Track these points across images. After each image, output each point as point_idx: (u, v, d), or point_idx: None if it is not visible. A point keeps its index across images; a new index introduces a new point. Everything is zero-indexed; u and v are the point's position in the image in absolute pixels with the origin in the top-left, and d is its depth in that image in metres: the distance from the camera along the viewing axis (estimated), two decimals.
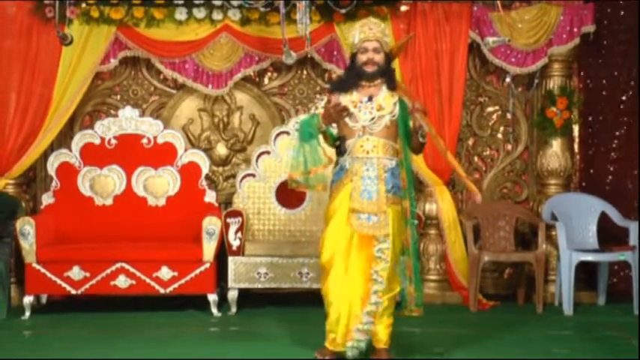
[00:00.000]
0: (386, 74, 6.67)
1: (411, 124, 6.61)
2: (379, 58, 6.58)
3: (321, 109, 6.78)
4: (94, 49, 9.28)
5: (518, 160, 10.03)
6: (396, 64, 9.18)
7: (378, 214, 6.48)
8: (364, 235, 6.51)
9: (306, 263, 8.79)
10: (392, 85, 6.67)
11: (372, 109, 6.55)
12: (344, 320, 6.53)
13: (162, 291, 8.70)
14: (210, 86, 9.56)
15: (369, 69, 6.57)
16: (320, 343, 6.97)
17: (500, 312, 9.04)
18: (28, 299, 8.64)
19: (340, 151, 6.68)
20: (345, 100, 6.59)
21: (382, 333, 6.59)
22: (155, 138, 9.54)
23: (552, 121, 9.49)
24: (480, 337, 7.71)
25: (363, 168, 6.53)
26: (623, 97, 9.75)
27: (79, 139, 9.49)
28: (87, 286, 8.64)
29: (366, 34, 6.60)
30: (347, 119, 6.56)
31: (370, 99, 6.57)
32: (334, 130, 6.72)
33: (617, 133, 9.80)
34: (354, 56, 6.69)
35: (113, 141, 9.50)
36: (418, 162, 9.28)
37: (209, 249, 8.68)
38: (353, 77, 6.66)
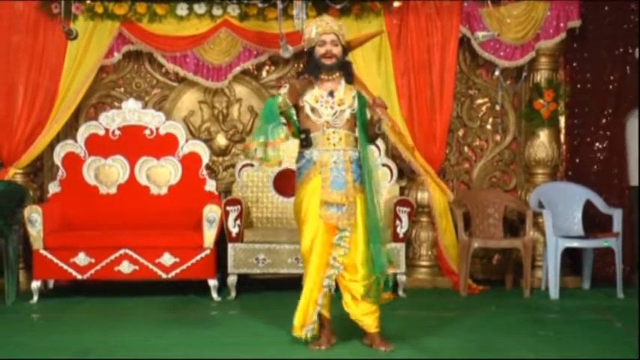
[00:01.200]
0: (344, 67, 6.69)
1: (368, 116, 6.67)
2: (337, 50, 6.61)
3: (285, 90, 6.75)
4: (98, 43, 9.37)
5: (507, 150, 10.11)
6: (388, 59, 9.43)
7: (347, 203, 6.54)
8: (330, 224, 6.58)
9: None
10: (349, 79, 6.74)
11: (334, 103, 6.60)
12: (302, 306, 6.68)
13: (164, 276, 8.81)
14: (210, 79, 9.65)
15: (328, 61, 6.59)
16: None
17: (489, 296, 9.10)
18: (35, 284, 8.77)
19: (305, 144, 6.68)
20: (308, 96, 6.63)
21: (370, 319, 6.66)
22: (157, 129, 9.64)
23: (539, 113, 9.58)
24: (470, 321, 7.84)
25: (330, 160, 6.57)
26: (608, 89, 9.80)
27: (84, 130, 9.60)
28: (92, 271, 8.76)
29: (323, 28, 6.61)
30: (309, 113, 6.62)
31: (331, 94, 6.61)
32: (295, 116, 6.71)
33: (602, 124, 9.83)
34: (311, 50, 6.68)
35: (117, 132, 9.61)
36: (410, 151, 9.48)
37: (209, 236, 8.80)
38: (312, 71, 6.66)
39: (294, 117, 6.70)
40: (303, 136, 6.68)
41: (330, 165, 6.59)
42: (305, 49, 6.84)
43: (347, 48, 6.81)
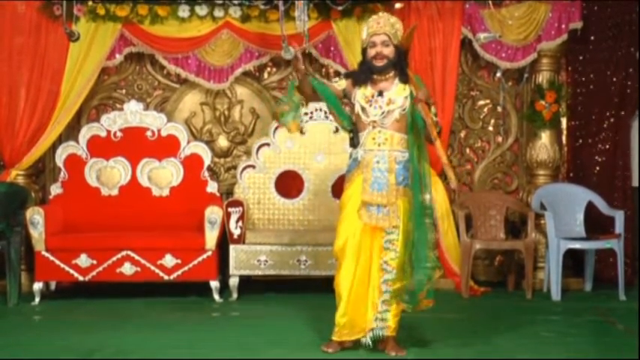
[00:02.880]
0: (397, 67, 6.60)
1: (417, 116, 6.54)
2: (388, 51, 6.54)
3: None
4: (100, 45, 9.39)
5: (509, 152, 10.12)
6: None
7: (388, 205, 6.50)
8: (374, 226, 6.54)
9: (305, 251, 8.91)
10: (404, 78, 6.62)
11: (383, 103, 6.54)
12: (361, 310, 6.57)
13: (166, 278, 8.81)
14: (211, 81, 9.66)
15: (379, 63, 6.54)
16: (317, 327, 7.21)
17: (491, 298, 9.13)
18: (37, 286, 8.77)
19: (354, 143, 6.65)
20: (359, 94, 6.61)
21: (391, 321, 6.61)
22: (159, 131, 9.64)
23: (541, 114, 9.57)
24: (472, 322, 7.87)
25: (373, 160, 6.53)
26: (610, 90, 9.81)
27: (85, 132, 9.60)
28: (94, 273, 8.76)
29: (374, 29, 6.56)
30: (360, 113, 6.58)
31: (381, 93, 6.56)
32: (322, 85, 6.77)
33: (604, 126, 9.84)
34: (364, 51, 6.64)
35: (119, 134, 9.61)
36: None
37: (211, 237, 8.80)
38: (365, 72, 6.62)
39: (340, 107, 6.74)
40: (351, 135, 6.68)
41: (372, 165, 6.55)
42: (360, 49, 6.80)
43: (403, 47, 6.68)
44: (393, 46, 6.59)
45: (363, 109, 6.60)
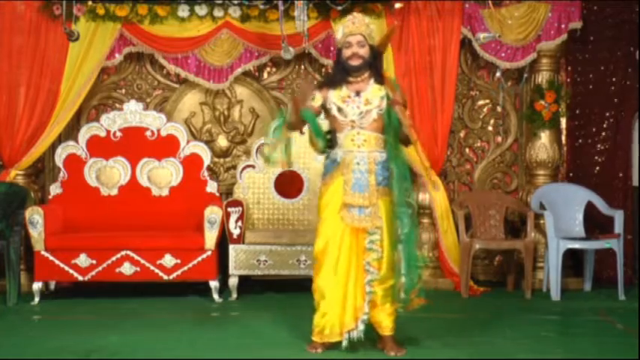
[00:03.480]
0: (372, 67, 6.60)
1: (393, 116, 6.55)
2: (364, 51, 6.51)
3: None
4: (99, 45, 9.39)
5: (508, 152, 10.14)
6: (390, 60, 9.39)
7: (369, 206, 6.48)
8: (356, 227, 6.52)
9: (304, 251, 8.90)
10: (379, 79, 6.60)
11: (360, 103, 6.51)
12: (337, 311, 6.54)
13: (165, 278, 8.81)
14: (211, 81, 9.66)
15: (354, 62, 6.50)
16: None
17: (491, 298, 9.15)
18: (37, 285, 8.77)
19: (331, 145, 6.63)
20: (335, 95, 6.56)
21: (387, 321, 6.61)
22: (159, 130, 9.65)
23: (541, 114, 9.59)
24: (471, 322, 7.85)
25: (354, 161, 6.50)
26: (609, 90, 9.84)
27: (85, 132, 9.60)
28: (93, 273, 8.77)
29: (349, 29, 6.52)
30: (336, 114, 6.56)
31: (358, 94, 6.53)
32: (322, 123, 6.69)
33: (604, 126, 9.86)
34: (339, 52, 6.61)
35: (118, 133, 9.61)
36: (411, 153, 9.45)
37: (211, 237, 8.80)
38: (340, 73, 6.59)
39: (319, 128, 6.64)
40: (329, 136, 6.65)
41: (352, 166, 6.53)
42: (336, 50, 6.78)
43: (378, 49, 6.70)
44: (368, 46, 6.58)
45: (339, 109, 6.57)
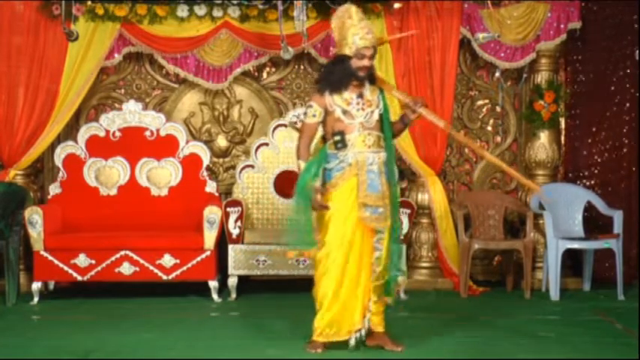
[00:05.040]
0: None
1: (412, 117, 6.63)
2: (372, 62, 6.55)
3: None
4: (99, 45, 9.39)
5: (507, 152, 10.14)
6: (389, 60, 9.44)
7: (382, 206, 6.54)
8: (367, 227, 6.55)
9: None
10: (374, 81, 6.67)
11: (364, 105, 6.54)
12: (346, 310, 6.56)
13: (164, 278, 8.81)
14: (210, 81, 9.66)
15: (363, 73, 6.51)
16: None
17: (490, 297, 9.16)
18: (36, 285, 8.78)
19: (340, 146, 6.53)
20: (338, 98, 6.54)
21: (379, 317, 6.68)
22: (158, 130, 9.65)
23: (540, 114, 9.60)
24: (471, 322, 7.85)
25: (367, 162, 6.52)
26: (609, 90, 9.83)
27: (84, 132, 9.60)
28: (92, 272, 8.77)
29: (365, 42, 6.45)
30: (342, 116, 6.51)
31: (360, 96, 6.56)
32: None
33: (603, 126, 9.86)
34: (346, 57, 6.51)
35: (117, 133, 9.61)
36: (411, 154, 9.47)
37: (210, 237, 8.80)
38: (345, 77, 6.54)
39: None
40: (337, 137, 6.56)
41: (366, 167, 6.54)
42: (337, 51, 6.70)
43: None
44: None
45: (344, 112, 6.55)
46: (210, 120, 10.15)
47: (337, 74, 6.61)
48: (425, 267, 9.78)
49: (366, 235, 6.57)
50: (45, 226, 8.75)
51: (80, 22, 9.26)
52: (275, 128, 9.65)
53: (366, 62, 6.50)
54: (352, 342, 6.60)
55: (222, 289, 9.02)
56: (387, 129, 6.65)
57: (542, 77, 9.72)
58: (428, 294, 9.38)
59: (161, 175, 9.66)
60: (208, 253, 8.84)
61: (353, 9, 6.61)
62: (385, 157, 6.64)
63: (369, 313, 6.61)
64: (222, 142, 10.14)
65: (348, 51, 6.52)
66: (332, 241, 6.56)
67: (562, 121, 10.03)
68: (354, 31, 6.51)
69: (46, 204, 9.45)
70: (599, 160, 9.94)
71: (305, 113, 6.72)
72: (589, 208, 9.52)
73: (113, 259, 8.80)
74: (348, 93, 6.58)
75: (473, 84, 10.17)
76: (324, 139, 6.75)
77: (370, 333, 6.72)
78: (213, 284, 8.87)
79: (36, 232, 8.73)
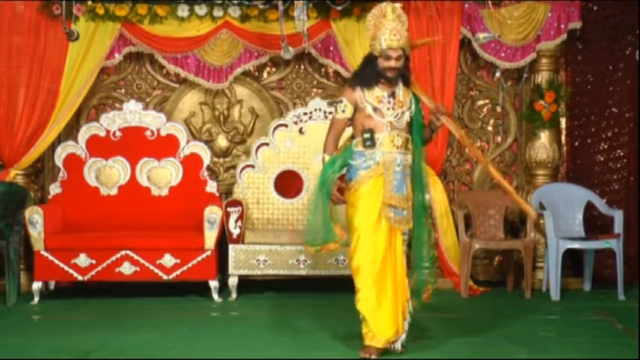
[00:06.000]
0: (401, 72, 6.59)
1: (422, 118, 6.65)
2: (400, 63, 6.48)
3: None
4: (99, 44, 9.41)
5: (508, 152, 10.16)
6: None
7: (406, 208, 6.55)
8: (395, 228, 6.54)
9: (304, 251, 8.86)
10: (407, 82, 6.63)
11: (395, 104, 6.50)
12: (396, 313, 6.55)
13: (165, 277, 8.82)
14: (211, 80, 9.69)
15: (391, 74, 6.48)
16: (316, 327, 7.25)
17: (490, 297, 9.16)
18: (36, 285, 8.79)
19: (369, 144, 6.48)
20: (369, 95, 6.50)
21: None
22: (158, 130, 9.66)
23: (540, 114, 9.59)
24: (471, 322, 7.85)
25: (394, 163, 6.50)
26: (609, 90, 9.83)
27: (85, 132, 9.61)
28: (93, 272, 8.78)
29: (391, 43, 6.41)
30: (372, 113, 6.49)
31: (392, 95, 6.52)
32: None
33: (603, 126, 9.87)
34: (374, 56, 6.52)
35: (118, 133, 9.62)
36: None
37: (210, 237, 8.81)
38: (374, 75, 6.53)
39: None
40: (367, 135, 6.50)
41: (393, 168, 6.52)
42: (371, 48, 6.61)
43: (406, 54, 6.63)
44: (403, 55, 6.56)
45: (375, 109, 6.52)
46: (211, 120, 10.15)
47: (366, 72, 6.60)
48: (425, 267, 9.65)
49: (395, 237, 6.55)
50: (45, 226, 8.75)
51: (81, 21, 9.29)
52: (275, 128, 9.66)
53: (392, 63, 6.46)
54: (398, 346, 6.60)
55: (223, 289, 9.02)
56: (417, 133, 6.63)
57: (542, 77, 9.71)
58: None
59: (161, 175, 9.66)
60: (209, 253, 8.84)
61: (389, 8, 6.57)
62: (411, 160, 6.62)
63: (409, 315, 6.64)
64: (222, 142, 10.14)
65: (375, 51, 6.52)
66: (365, 255, 6.49)
67: (562, 121, 10.03)
68: (382, 32, 6.48)
69: (47, 204, 9.46)
70: (599, 160, 9.94)
71: (335, 108, 6.72)
72: (589, 208, 9.52)
73: (114, 258, 8.80)
74: (379, 90, 6.54)
75: (473, 84, 10.17)
76: (352, 139, 6.71)
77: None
78: (213, 284, 8.87)
79: (36, 232, 8.74)
